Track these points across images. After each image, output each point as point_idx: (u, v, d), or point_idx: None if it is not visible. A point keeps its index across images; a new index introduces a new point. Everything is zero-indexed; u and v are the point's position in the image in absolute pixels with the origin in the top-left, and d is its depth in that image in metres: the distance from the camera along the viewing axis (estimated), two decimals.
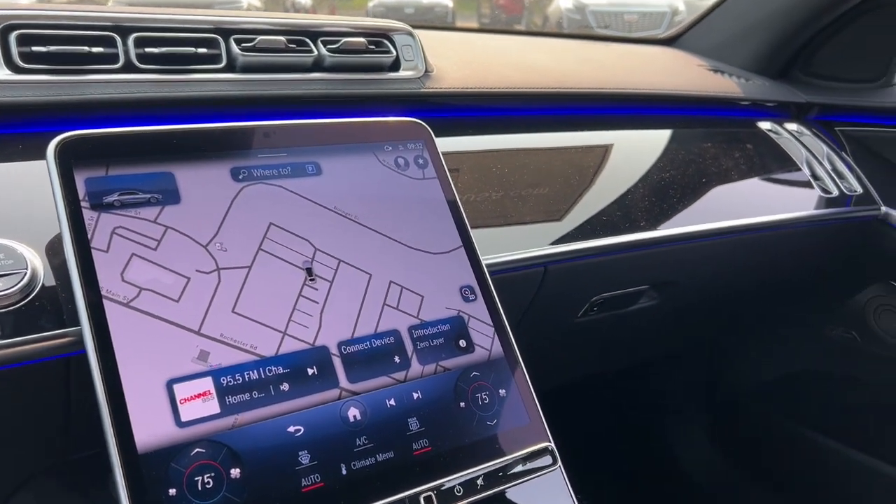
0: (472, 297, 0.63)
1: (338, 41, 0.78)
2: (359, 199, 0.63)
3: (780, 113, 1.14)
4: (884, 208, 1.05)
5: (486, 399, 0.60)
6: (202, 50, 0.71)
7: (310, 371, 0.54)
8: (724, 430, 1.44)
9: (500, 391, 0.61)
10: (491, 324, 0.63)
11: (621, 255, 0.79)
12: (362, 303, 0.58)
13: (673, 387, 1.45)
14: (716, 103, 1.06)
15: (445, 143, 0.69)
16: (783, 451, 1.35)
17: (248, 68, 0.73)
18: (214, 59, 0.72)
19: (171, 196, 0.55)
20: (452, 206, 0.66)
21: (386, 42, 0.81)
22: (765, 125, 1.08)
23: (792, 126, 1.10)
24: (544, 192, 0.82)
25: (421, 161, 0.67)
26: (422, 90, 0.81)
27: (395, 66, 0.82)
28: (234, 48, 0.72)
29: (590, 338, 0.97)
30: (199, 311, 0.52)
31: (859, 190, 1.05)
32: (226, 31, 0.72)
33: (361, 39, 0.79)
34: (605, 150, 0.92)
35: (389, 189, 0.64)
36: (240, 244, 0.56)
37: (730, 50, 1.21)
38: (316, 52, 0.76)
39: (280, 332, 0.54)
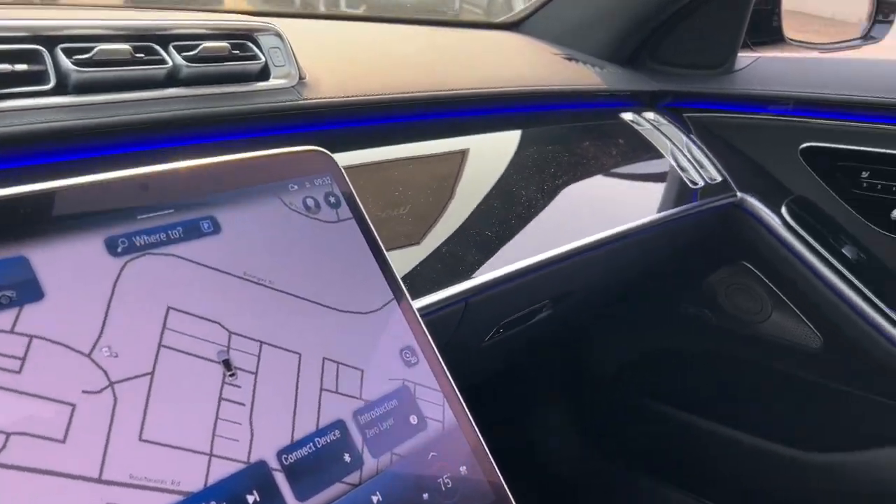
0: (413, 359, 0.54)
1: (195, 46, 0.63)
2: (271, 257, 0.50)
3: (635, 102, 1.14)
4: (739, 194, 1.09)
5: (448, 483, 0.51)
6: (21, 67, 0.53)
7: (250, 499, 0.42)
8: (584, 415, 1.47)
9: (462, 469, 0.52)
10: (438, 388, 0.54)
11: (534, 275, 0.73)
12: (297, 393, 0.47)
13: (535, 378, 1.45)
14: (584, 96, 1.03)
15: None
16: (641, 428, 1.40)
17: (84, 88, 0.56)
18: (39, 77, 0.54)
19: (29, 290, 0.39)
20: (376, 250, 0.56)
21: (251, 45, 0.67)
22: (627, 116, 1.07)
23: (650, 115, 1.10)
24: (438, 210, 0.74)
25: (332, 199, 0.56)
26: (301, 102, 0.69)
27: (265, 73, 0.68)
28: (65, 62, 0.55)
29: (487, 356, 0.91)
30: (95, 450, 0.38)
31: (719, 178, 1.07)
32: (51, 40, 0.55)
33: (223, 44, 0.64)
34: (490, 156, 0.86)
35: (303, 240, 0.53)
36: (134, 344, 0.42)
37: (579, 36, 1.18)
38: (170, 63, 0.61)
39: (205, 454, 0.42)
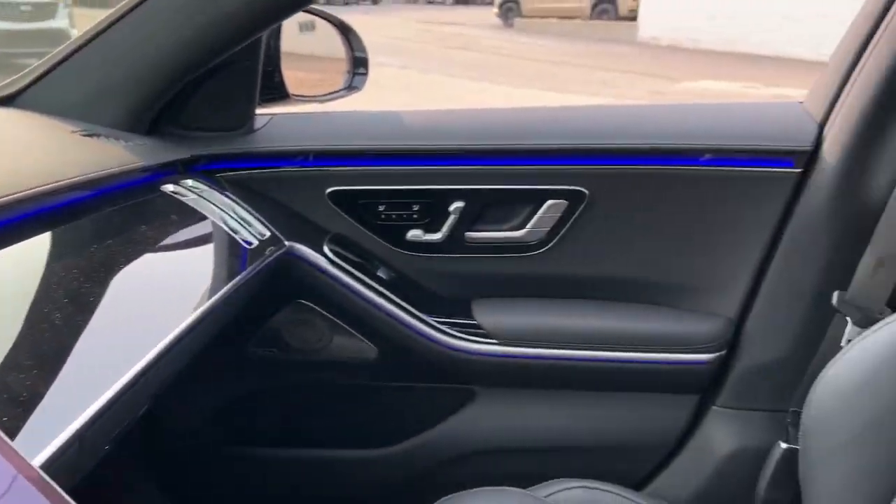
0: None
1: None
2: None
3: (169, 171, 1.14)
4: (287, 243, 1.19)
5: None
6: None
7: None
8: (169, 473, 1.43)
9: None
10: None
11: (136, 386, 0.72)
12: None
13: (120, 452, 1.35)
14: (120, 177, 1.00)
15: None
16: (222, 473, 1.43)
17: None
18: None
19: None
20: None
21: None
22: (168, 188, 1.07)
23: (189, 183, 1.12)
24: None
25: None
26: None
27: None
28: None
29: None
30: None
31: (267, 233, 1.15)
32: None
33: None
34: (40, 266, 0.80)
35: None
36: None
37: (92, 109, 1.12)
38: None
39: None
